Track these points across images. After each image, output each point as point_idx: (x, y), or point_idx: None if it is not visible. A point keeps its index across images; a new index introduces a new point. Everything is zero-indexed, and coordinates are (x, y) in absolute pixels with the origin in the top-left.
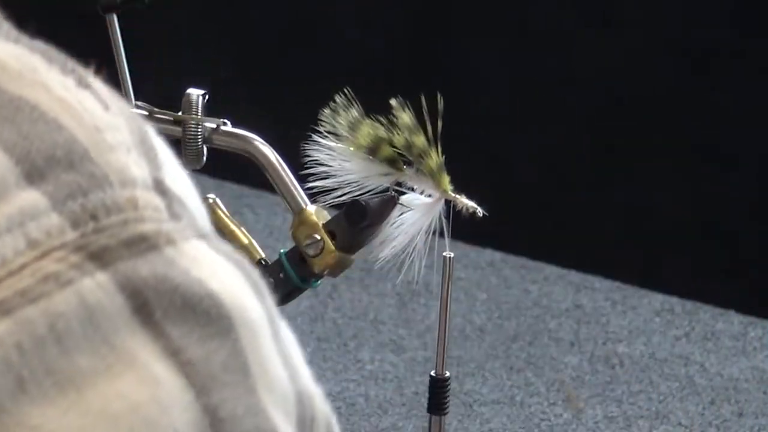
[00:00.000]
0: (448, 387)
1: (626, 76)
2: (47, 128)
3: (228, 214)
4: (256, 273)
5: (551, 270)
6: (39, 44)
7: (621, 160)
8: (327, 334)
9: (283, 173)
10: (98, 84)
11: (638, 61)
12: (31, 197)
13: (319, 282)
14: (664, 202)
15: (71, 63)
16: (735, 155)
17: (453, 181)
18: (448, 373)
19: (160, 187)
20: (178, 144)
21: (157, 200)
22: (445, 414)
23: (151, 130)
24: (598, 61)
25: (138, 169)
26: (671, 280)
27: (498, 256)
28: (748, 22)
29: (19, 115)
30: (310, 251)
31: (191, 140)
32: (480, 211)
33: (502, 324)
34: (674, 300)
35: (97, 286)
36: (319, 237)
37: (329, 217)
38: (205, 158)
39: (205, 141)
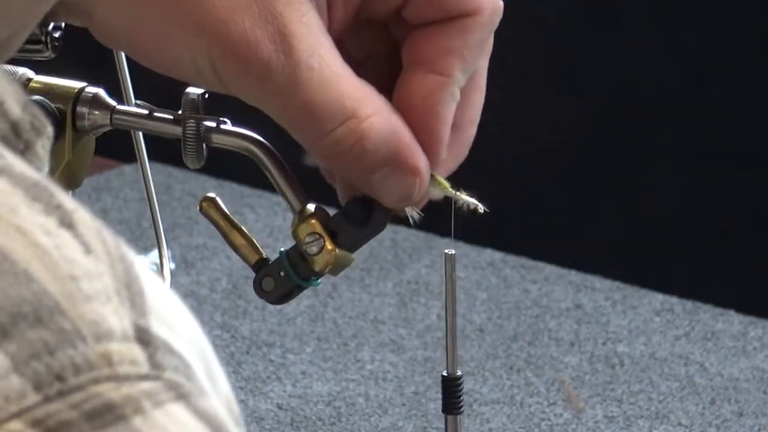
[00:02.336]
0: (461, 385)
1: (627, 76)
2: (15, 281)
3: (229, 214)
4: None
5: (551, 270)
6: (27, 176)
7: (621, 160)
8: (327, 334)
9: (283, 172)
10: (85, 221)
11: (639, 61)
12: None
13: (319, 281)
14: (664, 202)
15: (57, 198)
16: (735, 155)
17: (453, 181)
18: (459, 372)
19: (142, 336)
20: (178, 143)
21: (136, 352)
22: (460, 413)
23: (142, 271)
24: (599, 60)
25: (117, 319)
26: (671, 280)
27: (498, 256)
28: (749, 22)
29: None
30: (311, 250)
31: (191, 140)
32: (481, 208)
33: (502, 324)
34: (674, 300)
35: None
36: (319, 236)
37: (330, 216)
38: (205, 158)
39: (205, 140)
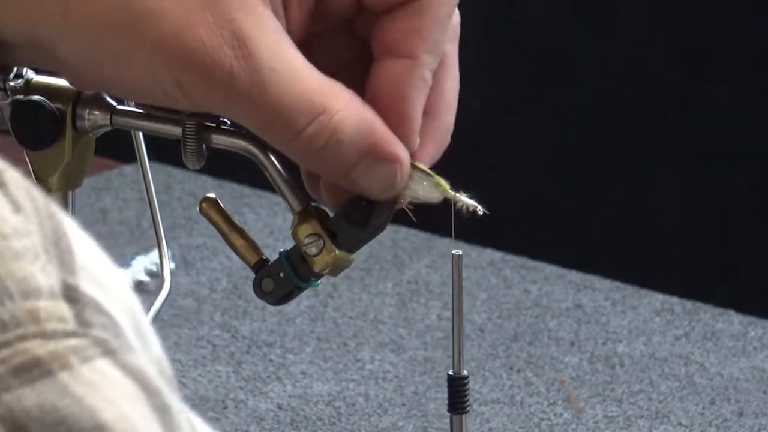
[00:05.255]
0: (467, 385)
1: (626, 76)
2: None
3: (229, 214)
4: (163, 393)
5: (551, 270)
6: None
7: (621, 160)
8: (327, 334)
9: (283, 173)
10: (15, 179)
11: (638, 61)
12: None
13: (319, 281)
14: (664, 201)
15: None
16: (735, 155)
17: (453, 181)
18: (465, 372)
19: (70, 294)
20: (178, 144)
21: (63, 309)
22: (465, 413)
23: (71, 229)
24: (599, 60)
25: (44, 276)
26: (671, 280)
27: (498, 256)
28: (746, 21)
29: None
30: (311, 251)
31: (191, 140)
32: (480, 210)
33: (502, 324)
34: (674, 300)
35: None
36: (319, 236)
37: (330, 217)
38: (205, 158)
39: (205, 141)
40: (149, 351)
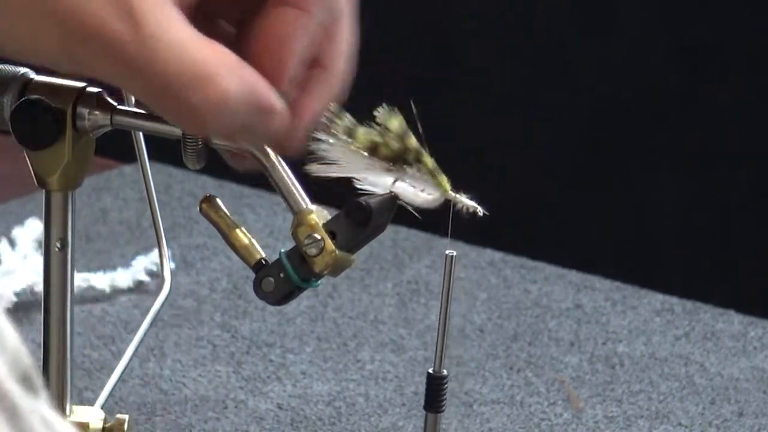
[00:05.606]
0: (446, 385)
1: (626, 76)
2: None
3: (229, 214)
4: (12, 394)
5: (551, 270)
6: None
7: (621, 160)
8: (327, 334)
9: (283, 173)
10: None
11: (638, 61)
12: None
13: (319, 282)
14: (664, 201)
15: None
16: (735, 155)
17: (453, 181)
18: (445, 371)
19: None
20: (178, 144)
21: None
22: (441, 411)
23: None
24: (598, 60)
25: None
26: (671, 280)
27: (498, 256)
28: (746, 21)
29: None
30: (311, 251)
31: (191, 140)
32: (480, 211)
33: (502, 324)
34: (674, 300)
35: None
36: (319, 236)
37: (329, 217)
38: (205, 158)
39: (205, 141)
40: (2, 346)
